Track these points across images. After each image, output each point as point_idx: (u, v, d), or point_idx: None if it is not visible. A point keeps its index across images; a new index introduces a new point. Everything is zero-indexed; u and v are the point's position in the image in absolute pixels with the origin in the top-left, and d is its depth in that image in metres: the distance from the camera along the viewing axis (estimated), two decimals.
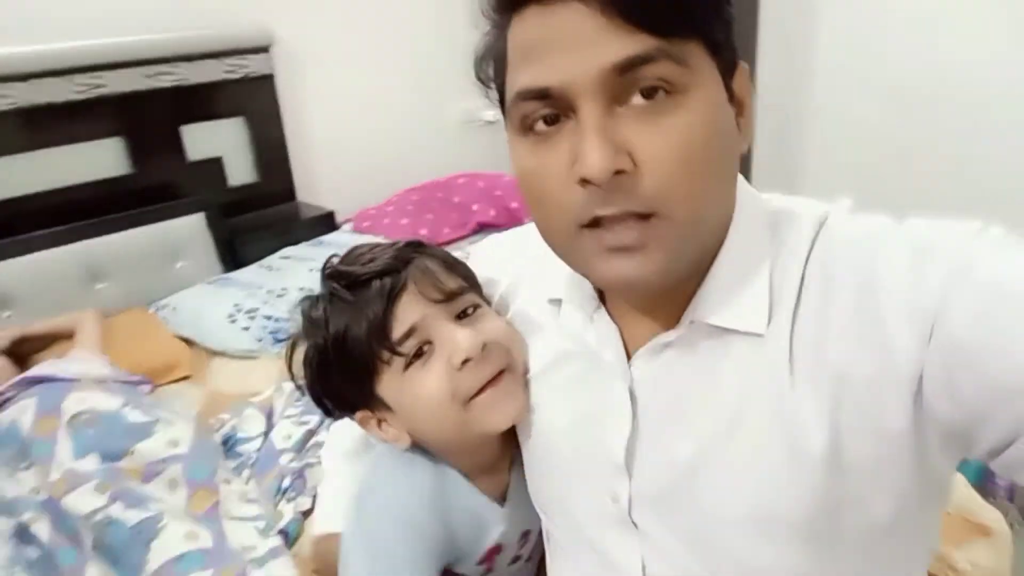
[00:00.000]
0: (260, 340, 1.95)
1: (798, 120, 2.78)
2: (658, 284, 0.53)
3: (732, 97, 0.54)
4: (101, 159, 2.22)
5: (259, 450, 1.46)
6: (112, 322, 1.99)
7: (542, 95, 0.51)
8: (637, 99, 0.50)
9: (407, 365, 0.68)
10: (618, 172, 0.49)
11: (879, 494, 0.55)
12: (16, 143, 2.05)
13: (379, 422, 0.74)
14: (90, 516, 1.24)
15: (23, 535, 1.31)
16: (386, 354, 0.67)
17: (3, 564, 1.26)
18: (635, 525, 0.65)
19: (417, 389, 0.68)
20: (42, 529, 1.29)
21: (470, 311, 0.71)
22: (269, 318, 1.97)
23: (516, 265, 0.78)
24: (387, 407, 0.72)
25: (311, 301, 0.72)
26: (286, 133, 2.58)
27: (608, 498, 0.65)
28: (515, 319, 0.76)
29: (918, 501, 0.57)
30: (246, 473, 1.42)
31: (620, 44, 0.48)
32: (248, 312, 2.00)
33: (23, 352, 1.87)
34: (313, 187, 2.68)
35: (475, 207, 2.48)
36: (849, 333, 0.53)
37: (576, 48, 0.49)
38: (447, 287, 0.69)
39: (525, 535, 0.83)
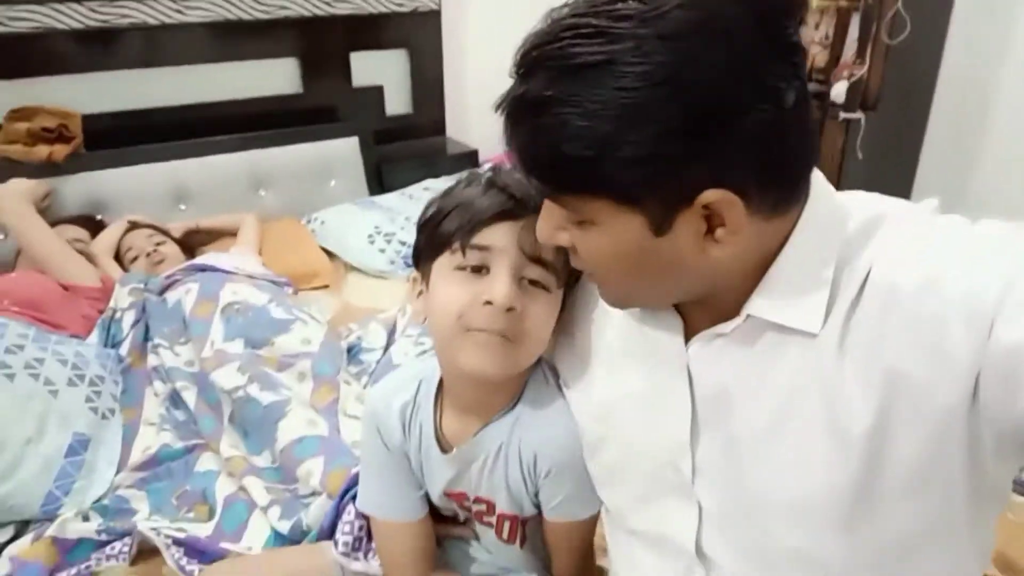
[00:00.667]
0: (392, 263, 2.08)
1: (980, 115, 2.55)
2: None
3: (664, 226, 0.54)
4: (276, 77, 2.41)
5: (379, 361, 1.57)
6: (269, 227, 2.18)
7: None
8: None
9: (459, 267, 0.72)
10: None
11: (925, 491, 0.56)
12: (206, 53, 2.25)
13: (419, 292, 0.79)
14: (232, 392, 1.41)
15: (175, 399, 1.50)
16: (457, 244, 0.72)
17: (157, 420, 1.47)
18: (695, 496, 0.68)
19: (447, 287, 0.73)
20: (190, 396, 1.48)
21: (536, 284, 0.72)
22: (404, 243, 2.10)
23: None
24: (428, 286, 0.77)
25: (468, 179, 0.77)
26: (444, 69, 2.67)
27: (667, 469, 0.69)
28: (583, 299, 0.78)
29: (968, 504, 0.57)
30: (364, 379, 1.54)
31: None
32: (386, 235, 2.13)
33: (193, 243, 2.10)
34: (463, 124, 2.76)
35: None
36: (907, 332, 0.53)
37: None
38: (539, 252, 0.71)
39: (485, 503, 0.84)
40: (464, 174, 0.78)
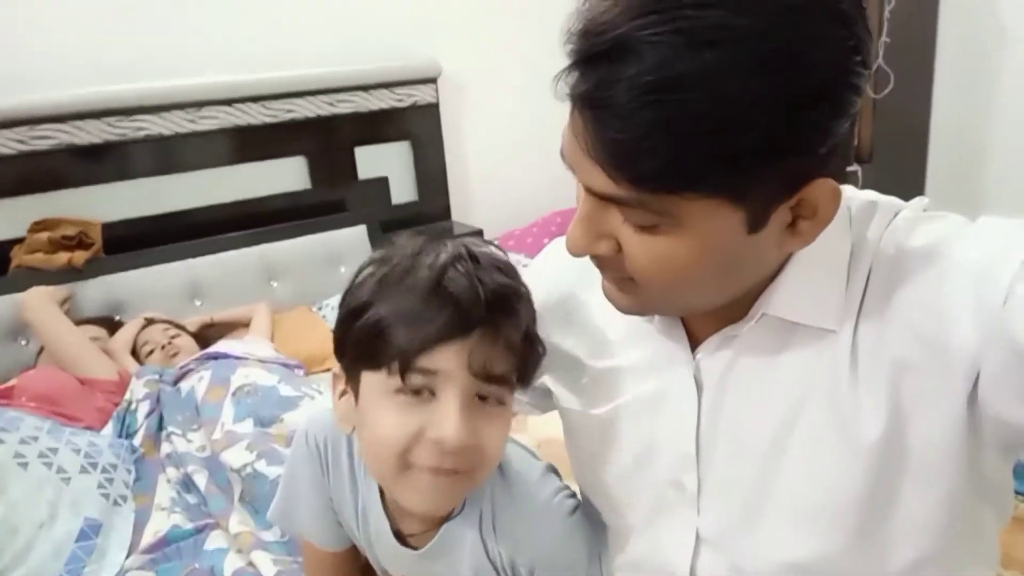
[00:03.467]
0: None
1: (978, 161, 2.57)
2: None
3: (762, 221, 0.51)
4: (285, 175, 2.52)
5: None
6: (281, 316, 2.23)
7: None
8: None
9: (399, 389, 0.62)
10: None
11: (930, 488, 0.54)
12: (218, 158, 2.37)
13: (342, 393, 0.70)
14: (240, 470, 1.41)
15: (186, 483, 1.50)
16: (396, 367, 0.61)
17: (168, 505, 1.46)
18: (698, 512, 0.65)
19: (384, 414, 0.62)
20: (201, 479, 1.48)
21: (490, 402, 0.64)
22: None
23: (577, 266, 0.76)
24: (357, 396, 0.67)
25: (413, 252, 0.64)
26: (446, 157, 2.77)
27: (670, 487, 0.66)
28: (576, 312, 0.74)
29: (972, 502, 0.56)
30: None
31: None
32: None
33: (207, 335, 2.14)
34: (467, 208, 2.85)
35: None
36: (911, 325, 0.53)
37: None
38: (493, 370, 0.62)
39: None
40: (404, 243, 0.67)
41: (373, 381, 0.63)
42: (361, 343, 0.63)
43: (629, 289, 0.58)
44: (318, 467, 0.79)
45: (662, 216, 0.50)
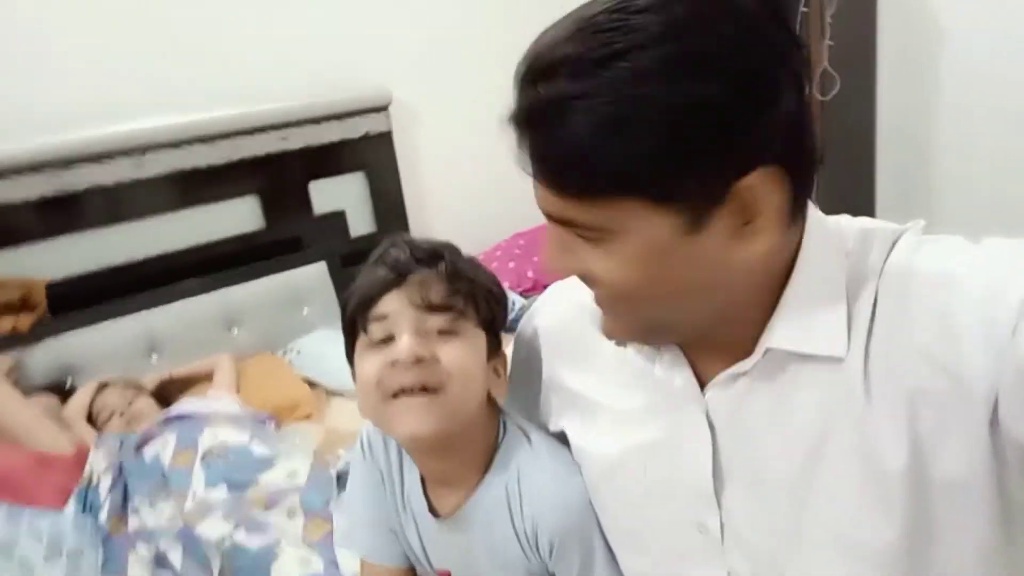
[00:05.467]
0: None
1: (924, 156, 2.62)
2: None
3: (699, 223, 0.51)
4: (239, 216, 2.43)
5: None
6: (245, 366, 2.14)
7: None
8: None
9: (369, 345, 0.74)
10: None
11: (966, 519, 0.53)
12: (167, 203, 2.27)
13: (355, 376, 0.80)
14: (219, 543, 1.34)
15: (160, 561, 1.42)
16: (360, 325, 0.74)
17: None
18: (724, 553, 0.64)
19: (362, 363, 0.74)
20: (176, 557, 1.40)
21: (444, 333, 0.74)
22: None
23: (569, 303, 0.78)
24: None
25: (379, 254, 0.79)
26: (403, 185, 2.72)
27: (693, 529, 0.65)
28: (570, 353, 0.77)
29: (1004, 532, 0.54)
30: (341, 509, 1.47)
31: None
32: None
33: (168, 393, 2.05)
34: (428, 234, 2.76)
35: None
36: (925, 354, 0.52)
37: None
38: (431, 299, 0.73)
39: None
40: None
41: (358, 348, 0.76)
42: (345, 324, 0.78)
43: (611, 311, 0.61)
44: (372, 468, 0.86)
45: (600, 228, 0.52)
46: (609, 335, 0.63)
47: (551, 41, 0.51)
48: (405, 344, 0.71)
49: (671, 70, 0.47)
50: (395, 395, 0.72)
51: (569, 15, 0.52)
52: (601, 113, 0.48)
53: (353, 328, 0.76)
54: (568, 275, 0.60)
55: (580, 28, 0.50)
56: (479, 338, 0.77)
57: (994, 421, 0.50)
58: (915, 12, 2.58)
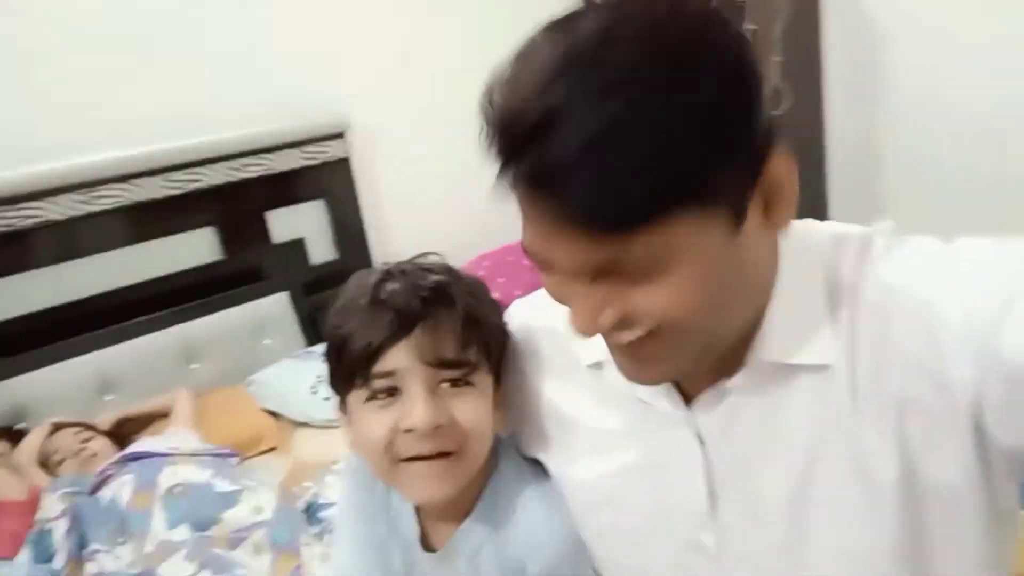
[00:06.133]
0: None
1: (876, 165, 2.69)
2: None
3: (742, 215, 0.51)
4: (195, 248, 2.37)
5: None
6: (205, 400, 2.09)
7: None
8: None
9: (371, 397, 0.68)
10: None
11: (960, 529, 0.54)
12: (120, 238, 2.21)
13: (348, 423, 0.74)
14: None
15: None
16: (360, 379, 0.68)
17: None
18: (722, 572, 0.63)
19: (364, 422, 0.69)
20: None
21: (457, 383, 0.69)
22: None
23: (536, 329, 0.76)
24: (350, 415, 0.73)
25: (358, 284, 0.71)
26: (363, 211, 2.69)
27: (690, 549, 0.63)
28: (543, 384, 0.74)
29: (995, 533, 0.55)
30: (327, 538, 1.43)
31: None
32: None
33: (124, 432, 1.98)
34: (391, 259, 2.76)
35: None
36: (909, 361, 0.52)
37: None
38: (443, 355, 0.67)
39: None
40: (353, 278, 0.74)
41: (353, 398, 0.70)
42: (332, 366, 0.72)
43: (650, 354, 0.55)
44: (366, 490, 0.80)
45: (650, 259, 0.49)
46: (645, 380, 0.59)
47: (534, 89, 0.47)
48: (421, 414, 0.66)
49: (672, 81, 0.46)
50: (407, 458, 0.68)
51: (528, 57, 0.49)
52: (625, 142, 0.45)
53: (347, 377, 0.70)
54: (605, 328, 0.53)
55: (557, 72, 0.47)
56: (489, 384, 0.72)
57: (979, 427, 0.50)
58: (858, 25, 2.66)
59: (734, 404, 0.59)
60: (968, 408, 0.49)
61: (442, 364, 0.68)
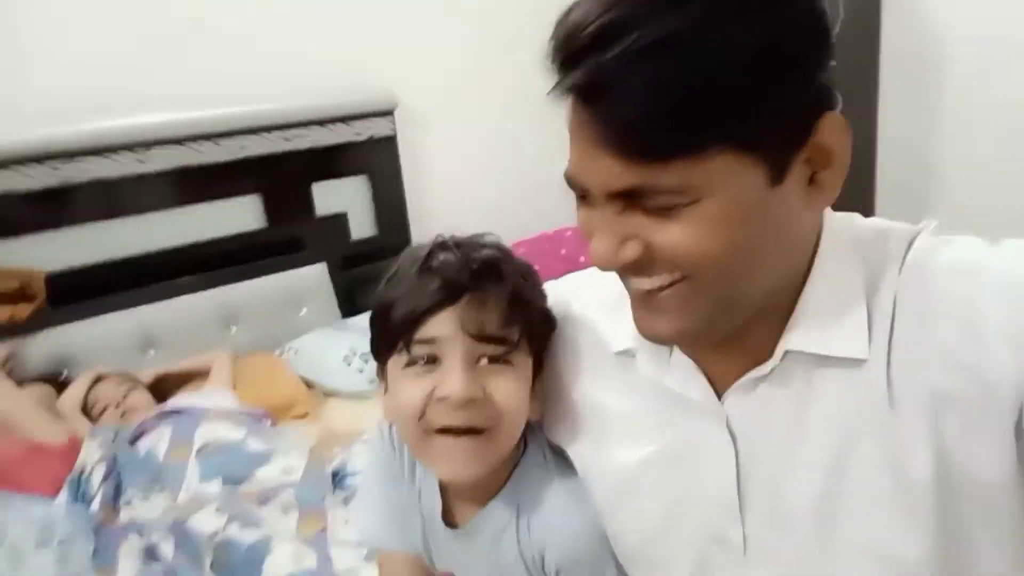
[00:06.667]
0: (372, 382, 2.01)
1: (925, 176, 2.64)
2: None
3: (783, 172, 0.50)
4: (240, 214, 2.42)
5: None
6: (242, 364, 2.13)
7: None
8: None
9: (409, 363, 0.68)
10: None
11: (994, 531, 0.53)
12: (169, 199, 2.27)
13: (385, 389, 0.74)
14: (211, 537, 1.32)
15: (151, 553, 1.40)
16: (400, 343, 0.68)
17: None
18: (747, 568, 0.62)
19: (401, 387, 0.69)
20: (167, 549, 1.39)
21: (496, 360, 0.68)
22: None
23: (568, 313, 0.75)
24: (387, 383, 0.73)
25: (412, 255, 0.72)
26: (405, 190, 2.72)
27: (714, 543, 0.63)
28: (572, 370, 0.73)
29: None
30: (353, 504, 1.46)
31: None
32: (362, 355, 2.09)
33: (164, 388, 2.03)
34: (428, 239, 2.79)
35: (582, 259, 2.50)
36: (950, 358, 0.51)
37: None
38: (485, 329, 0.67)
39: None
40: (408, 251, 0.74)
41: (392, 364, 0.70)
42: (376, 332, 0.72)
43: (668, 306, 0.55)
44: (393, 458, 0.80)
45: (684, 191, 0.49)
46: (657, 336, 0.58)
47: (596, 5, 0.47)
48: (457, 384, 0.65)
49: (742, 8, 0.46)
50: (438, 430, 0.67)
51: None
52: (681, 61, 0.45)
53: (390, 341, 0.69)
54: (630, 262, 0.53)
55: None
56: (528, 367, 0.71)
57: (1018, 425, 0.49)
58: (917, 32, 2.61)
59: (765, 395, 0.58)
60: (1008, 406, 0.49)
61: (484, 338, 0.67)
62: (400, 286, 0.69)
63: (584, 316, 0.72)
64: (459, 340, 0.67)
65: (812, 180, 0.52)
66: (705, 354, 0.61)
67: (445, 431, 0.67)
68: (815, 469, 0.57)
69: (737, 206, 0.49)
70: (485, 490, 0.74)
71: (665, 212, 0.50)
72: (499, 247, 0.73)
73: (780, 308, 0.56)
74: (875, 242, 0.57)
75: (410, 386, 0.68)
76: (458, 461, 0.68)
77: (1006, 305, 0.49)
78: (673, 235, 0.50)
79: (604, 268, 0.54)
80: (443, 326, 0.67)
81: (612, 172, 0.49)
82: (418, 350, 0.67)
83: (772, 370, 0.57)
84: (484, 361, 0.68)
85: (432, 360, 0.67)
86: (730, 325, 0.57)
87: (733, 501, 0.61)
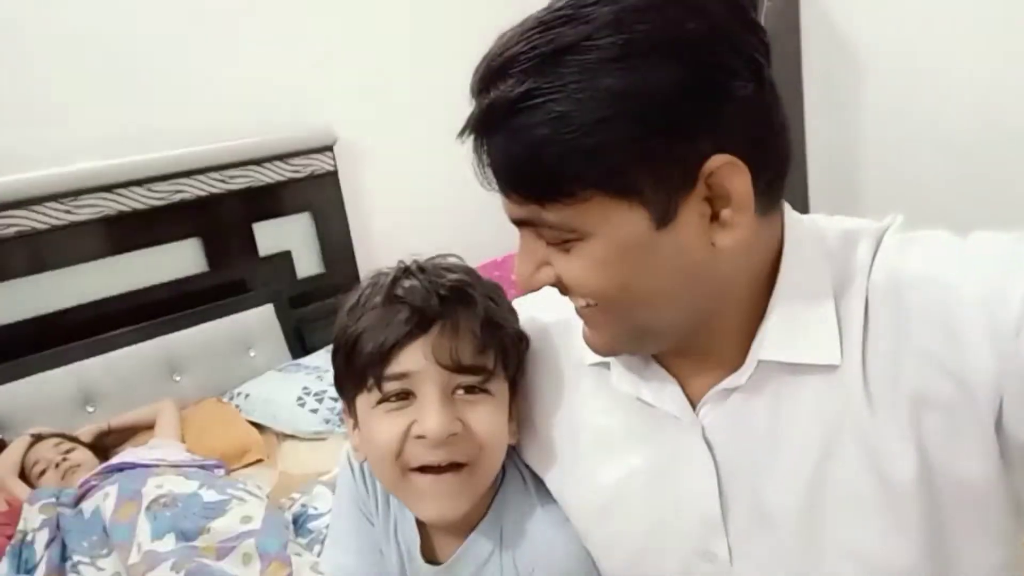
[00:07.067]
0: (327, 421, 1.98)
1: (852, 184, 2.75)
2: None
3: (669, 214, 0.50)
4: (179, 259, 2.35)
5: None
6: (189, 412, 2.06)
7: None
8: None
9: (381, 400, 0.65)
10: None
11: (979, 531, 0.53)
12: (103, 248, 2.18)
13: (354, 425, 0.71)
14: None
15: None
16: (371, 380, 0.64)
17: None
18: None
19: (374, 426, 0.65)
20: None
21: (473, 391, 0.66)
22: (336, 399, 2.00)
23: (538, 327, 0.73)
24: (356, 419, 0.70)
25: (373, 283, 0.68)
26: (350, 225, 2.68)
27: (698, 558, 0.61)
28: (543, 386, 0.71)
29: (1014, 529, 0.54)
30: (317, 548, 1.41)
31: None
32: (316, 395, 2.04)
33: (106, 445, 1.94)
34: (390, 266, 2.75)
35: None
36: (926, 359, 0.51)
37: None
38: (460, 359, 0.64)
39: None
40: (369, 278, 0.70)
41: (362, 402, 0.66)
42: (340, 368, 0.68)
43: (597, 323, 0.58)
44: (363, 491, 0.76)
45: (568, 230, 0.51)
46: (594, 348, 0.60)
47: (501, 45, 0.50)
48: (434, 421, 0.62)
49: (621, 59, 0.46)
50: (417, 468, 0.64)
51: (513, 29, 0.51)
52: (553, 109, 0.46)
53: (358, 378, 0.65)
54: (541, 287, 0.55)
55: (528, 28, 0.49)
56: (505, 391, 0.68)
57: (999, 424, 0.49)
58: (836, 49, 2.73)
59: (739, 405, 0.58)
60: (989, 405, 0.49)
61: (459, 368, 0.64)
62: (365, 317, 0.65)
63: (555, 330, 0.71)
64: (433, 373, 0.63)
65: (716, 217, 0.51)
66: (680, 365, 0.61)
67: (424, 469, 0.64)
68: (797, 476, 0.56)
69: (619, 247, 0.51)
70: (465, 521, 0.70)
71: (562, 245, 0.53)
72: (465, 269, 0.70)
73: (750, 314, 0.56)
74: (842, 245, 0.56)
75: (384, 424, 0.64)
76: (443, 500, 0.65)
77: (983, 313, 0.48)
78: (571, 267, 0.53)
79: (523, 290, 0.56)
80: (415, 359, 0.63)
81: (508, 204, 0.53)
82: (390, 386, 0.64)
83: (745, 380, 0.57)
84: (460, 392, 0.65)
85: (405, 396, 0.64)
86: (665, 344, 0.58)
87: (715, 513, 0.59)
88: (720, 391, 0.58)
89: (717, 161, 0.48)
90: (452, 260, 0.71)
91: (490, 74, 0.50)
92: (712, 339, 0.57)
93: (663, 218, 0.49)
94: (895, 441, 0.52)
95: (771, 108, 0.51)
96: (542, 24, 0.48)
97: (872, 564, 0.54)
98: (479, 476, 0.66)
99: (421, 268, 0.68)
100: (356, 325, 0.65)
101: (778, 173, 0.53)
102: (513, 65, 0.48)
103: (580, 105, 0.46)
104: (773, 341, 0.55)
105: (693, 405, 0.60)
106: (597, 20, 0.46)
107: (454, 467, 0.64)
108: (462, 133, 0.52)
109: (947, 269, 0.52)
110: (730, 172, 0.49)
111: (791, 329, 0.54)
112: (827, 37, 2.74)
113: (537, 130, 0.47)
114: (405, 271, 0.68)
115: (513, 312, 0.71)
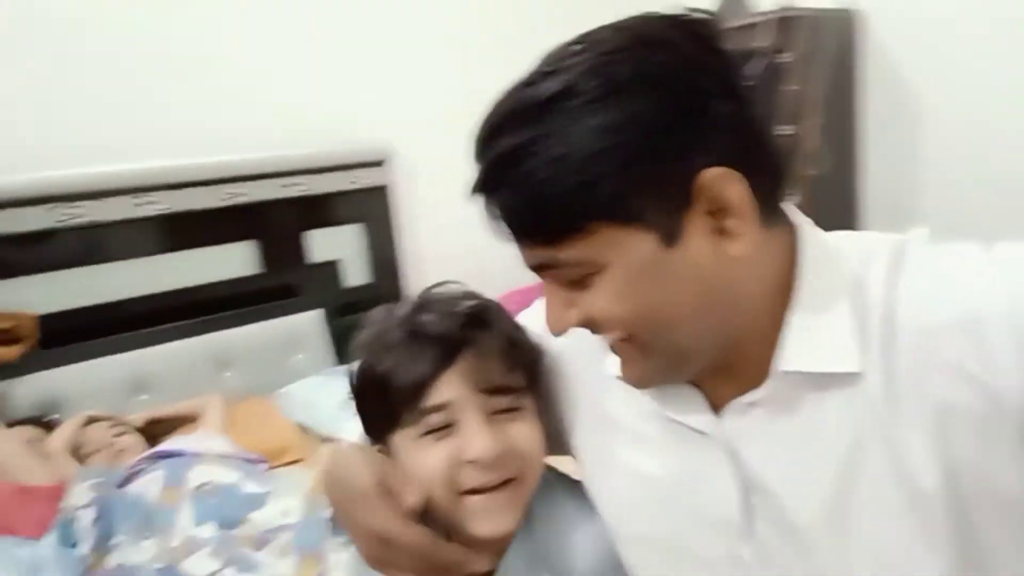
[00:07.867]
0: None
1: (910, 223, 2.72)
2: None
3: (675, 233, 0.52)
4: (233, 260, 2.43)
5: None
6: (234, 408, 2.10)
7: None
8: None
9: (425, 433, 0.66)
10: None
11: (1014, 545, 0.52)
12: (162, 244, 2.27)
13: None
14: None
15: None
16: (411, 416, 0.66)
17: None
18: None
19: (421, 459, 0.66)
20: None
21: (509, 410, 0.68)
22: None
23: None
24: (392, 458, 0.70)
25: (384, 319, 0.70)
26: (399, 239, 2.74)
27: (728, 564, 0.62)
28: (567, 396, 0.74)
29: None
30: (353, 548, 1.43)
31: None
32: None
33: (154, 433, 1.99)
34: (422, 288, 2.79)
35: None
36: (953, 369, 0.51)
37: None
38: (494, 381, 0.66)
39: None
40: (376, 321, 0.71)
41: (401, 438, 0.67)
42: (371, 408, 0.70)
43: (630, 357, 0.60)
44: None
45: (584, 264, 0.54)
46: (631, 383, 0.62)
47: (494, 108, 0.55)
48: (484, 444, 0.64)
49: (604, 98, 0.50)
50: (469, 491, 0.66)
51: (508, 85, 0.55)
52: (550, 154, 0.50)
53: (393, 418, 0.67)
54: (572, 327, 0.58)
55: (517, 85, 0.54)
56: (533, 404, 0.71)
57: None
58: (897, 91, 2.72)
59: (763, 416, 0.59)
60: (1019, 415, 0.49)
61: (493, 390, 0.67)
62: (390, 355, 0.67)
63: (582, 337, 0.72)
64: (472, 398, 0.66)
65: (721, 230, 0.53)
66: (704, 378, 0.62)
67: (475, 490, 0.66)
68: (822, 486, 0.56)
69: (635, 271, 0.53)
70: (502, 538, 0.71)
71: (580, 283, 0.55)
72: (472, 294, 0.73)
73: (768, 327, 0.57)
74: (863, 255, 0.57)
75: (429, 455, 0.66)
76: (498, 516, 0.67)
77: (1008, 313, 0.49)
78: (594, 301, 0.55)
79: (556, 334, 0.59)
80: (452, 388, 0.65)
81: (523, 253, 0.57)
82: (433, 419, 0.66)
83: (766, 391, 0.58)
84: (499, 415, 0.67)
85: (446, 425, 0.66)
86: (698, 366, 0.59)
87: (738, 521, 0.60)
88: (742, 404, 0.59)
89: (709, 174, 0.51)
90: (454, 287, 0.73)
91: (487, 135, 0.54)
92: (735, 353, 0.58)
93: (670, 237, 0.52)
94: (921, 451, 0.52)
95: (752, 120, 0.54)
96: (528, 83, 0.53)
97: (900, 573, 0.54)
98: (526, 487, 0.69)
99: (432, 299, 0.71)
100: (382, 364, 0.67)
101: (773, 178, 0.56)
102: (507, 122, 0.53)
103: (573, 145, 0.50)
104: (794, 351, 0.56)
105: (716, 414, 0.61)
106: (576, 69, 0.51)
107: (504, 483, 0.66)
108: (472, 192, 0.56)
109: (973, 280, 0.52)
110: (724, 182, 0.52)
111: (811, 338, 0.56)
112: (886, 84, 2.73)
113: (538, 175, 0.51)
114: (418, 305, 0.70)
115: (520, 326, 0.74)
